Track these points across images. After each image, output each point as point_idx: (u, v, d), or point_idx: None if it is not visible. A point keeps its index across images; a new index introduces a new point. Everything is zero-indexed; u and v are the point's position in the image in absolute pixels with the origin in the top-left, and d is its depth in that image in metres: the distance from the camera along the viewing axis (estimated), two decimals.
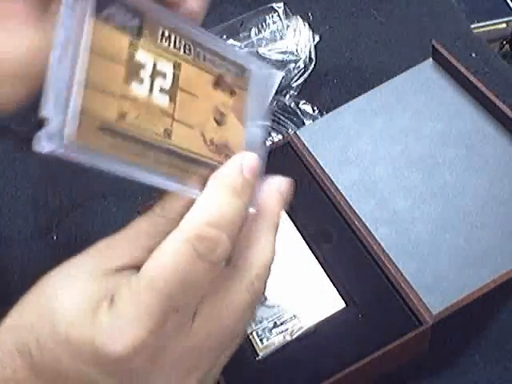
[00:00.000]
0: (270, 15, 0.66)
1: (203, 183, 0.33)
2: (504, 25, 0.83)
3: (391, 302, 0.49)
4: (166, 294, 0.30)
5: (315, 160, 0.57)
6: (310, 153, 0.58)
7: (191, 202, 0.32)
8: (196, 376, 0.34)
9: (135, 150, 0.31)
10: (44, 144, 0.28)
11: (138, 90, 0.31)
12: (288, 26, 0.65)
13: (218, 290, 0.33)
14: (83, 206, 0.63)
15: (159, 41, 0.32)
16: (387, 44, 0.70)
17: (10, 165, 0.68)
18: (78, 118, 0.28)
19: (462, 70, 0.57)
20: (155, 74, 0.31)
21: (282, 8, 0.67)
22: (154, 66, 0.31)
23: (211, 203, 0.32)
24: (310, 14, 0.73)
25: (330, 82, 0.68)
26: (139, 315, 0.30)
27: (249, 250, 0.35)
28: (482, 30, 0.83)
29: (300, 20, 0.67)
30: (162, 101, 0.31)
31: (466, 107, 0.57)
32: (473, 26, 0.82)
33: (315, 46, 0.68)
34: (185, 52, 0.33)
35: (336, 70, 0.69)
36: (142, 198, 0.61)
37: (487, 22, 0.83)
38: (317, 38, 0.68)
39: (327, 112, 0.64)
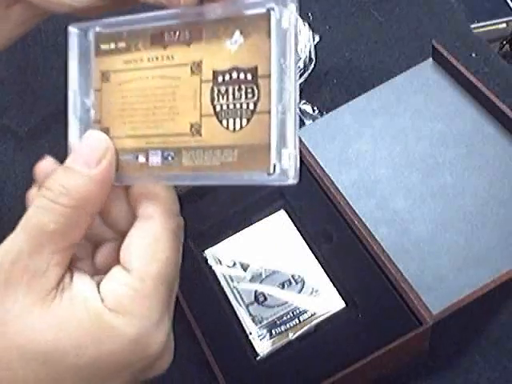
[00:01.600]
0: None
1: None
2: (504, 25, 0.83)
3: (391, 302, 0.49)
4: (169, 281, 0.34)
5: (315, 160, 0.57)
6: (310, 153, 0.58)
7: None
8: None
9: None
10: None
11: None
12: None
13: None
14: None
15: None
16: (387, 44, 0.70)
17: (10, 165, 0.68)
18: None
19: (462, 70, 0.57)
20: None
21: None
22: None
23: None
24: (309, 14, 0.73)
25: (329, 82, 0.68)
26: (163, 309, 0.33)
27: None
28: (481, 29, 0.83)
29: (300, 20, 0.67)
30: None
31: (466, 107, 0.57)
32: (473, 25, 0.81)
33: (315, 46, 0.67)
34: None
35: (336, 70, 0.69)
36: None
37: (487, 22, 0.83)
38: (317, 38, 0.68)
39: (327, 112, 0.64)
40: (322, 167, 0.57)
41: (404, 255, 0.50)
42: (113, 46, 0.34)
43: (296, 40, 0.30)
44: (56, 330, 0.32)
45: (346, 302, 0.50)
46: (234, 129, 0.31)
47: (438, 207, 0.53)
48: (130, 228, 0.35)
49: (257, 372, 0.49)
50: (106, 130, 0.34)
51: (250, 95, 0.30)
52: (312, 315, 0.50)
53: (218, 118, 0.31)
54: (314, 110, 0.65)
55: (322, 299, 0.51)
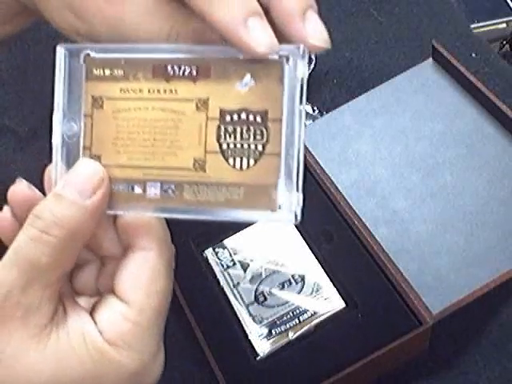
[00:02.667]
0: None
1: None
2: (504, 25, 0.83)
3: (391, 302, 0.49)
4: (165, 311, 0.34)
5: (315, 160, 0.57)
6: (310, 153, 0.58)
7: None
8: None
9: None
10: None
11: None
12: None
13: None
14: None
15: None
16: (387, 44, 0.70)
17: (10, 165, 0.68)
18: None
19: (462, 69, 0.57)
20: None
21: None
22: None
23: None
24: None
25: (329, 82, 0.68)
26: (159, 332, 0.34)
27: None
28: (481, 29, 0.83)
29: None
30: None
31: (466, 107, 0.57)
32: (473, 25, 0.81)
33: None
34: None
35: (336, 70, 0.69)
36: None
37: (487, 22, 0.83)
38: None
39: (327, 112, 0.64)
40: (322, 167, 0.57)
41: (404, 255, 0.50)
42: (108, 72, 0.33)
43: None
44: (55, 368, 0.31)
45: (346, 302, 0.50)
46: (241, 167, 0.31)
47: (437, 207, 0.53)
48: (113, 253, 0.34)
49: (257, 372, 0.49)
50: (97, 158, 0.33)
51: (258, 137, 0.31)
52: (312, 315, 0.50)
53: (224, 155, 0.32)
54: (314, 110, 0.65)
55: (322, 299, 0.51)
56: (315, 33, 0.31)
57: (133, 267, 0.33)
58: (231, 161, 0.31)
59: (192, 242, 0.55)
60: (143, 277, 0.33)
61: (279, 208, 0.31)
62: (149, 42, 0.33)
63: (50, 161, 0.35)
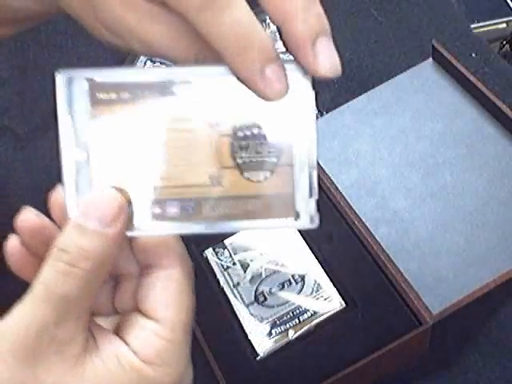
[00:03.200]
0: None
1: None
2: (504, 25, 0.83)
3: (391, 302, 0.49)
4: (191, 325, 0.35)
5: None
6: None
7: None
8: None
9: None
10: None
11: None
12: None
13: None
14: None
15: None
16: (387, 44, 0.70)
17: (10, 165, 0.68)
18: None
19: (462, 69, 0.57)
20: None
21: None
22: None
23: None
24: None
25: (329, 82, 0.68)
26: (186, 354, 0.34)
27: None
28: (481, 29, 0.83)
29: None
30: None
31: (465, 107, 0.57)
32: (473, 25, 0.81)
33: None
34: None
35: None
36: None
37: (487, 22, 0.83)
38: None
39: (327, 112, 0.64)
40: (322, 167, 0.57)
41: (404, 255, 0.50)
42: (114, 96, 0.33)
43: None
44: None
45: (346, 302, 0.50)
46: (258, 180, 0.32)
47: (437, 207, 0.53)
48: (129, 271, 0.35)
49: (257, 372, 0.49)
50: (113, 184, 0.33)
51: (272, 149, 0.32)
52: (312, 315, 0.50)
53: (239, 170, 0.32)
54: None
55: (322, 299, 0.51)
56: (326, 62, 0.31)
57: (159, 286, 0.34)
58: (247, 175, 0.32)
59: (192, 242, 0.56)
60: (171, 294, 0.34)
61: (297, 216, 0.32)
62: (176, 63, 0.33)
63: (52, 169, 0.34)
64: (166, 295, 0.34)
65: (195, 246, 0.56)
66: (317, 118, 0.64)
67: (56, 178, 0.34)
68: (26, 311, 0.32)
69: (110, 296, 0.36)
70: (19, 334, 0.31)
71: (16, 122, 0.71)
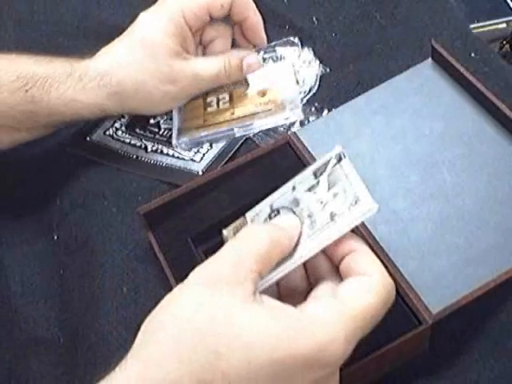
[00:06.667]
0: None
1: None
2: (504, 25, 0.83)
3: None
4: (362, 326, 0.40)
5: (314, 160, 0.57)
6: (310, 153, 0.58)
7: None
8: None
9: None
10: None
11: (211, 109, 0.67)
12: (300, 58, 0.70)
13: None
14: (83, 206, 0.63)
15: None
16: (387, 44, 0.70)
17: (11, 164, 0.69)
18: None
19: (462, 69, 0.57)
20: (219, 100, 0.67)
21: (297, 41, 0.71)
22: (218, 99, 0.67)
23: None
24: (314, 19, 0.73)
25: (329, 82, 0.68)
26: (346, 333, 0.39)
27: None
28: (481, 29, 0.83)
29: (311, 54, 0.70)
30: (225, 106, 0.66)
31: (465, 107, 0.57)
32: (473, 26, 0.82)
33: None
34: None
35: (335, 70, 0.69)
36: (142, 199, 0.62)
37: (487, 22, 0.83)
38: (324, 70, 0.69)
39: (327, 112, 0.64)
40: None
41: (403, 255, 0.50)
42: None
43: None
44: (257, 325, 0.37)
45: None
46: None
47: (437, 207, 0.53)
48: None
49: None
50: None
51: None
52: None
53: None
54: (313, 110, 0.65)
55: None
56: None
57: (356, 280, 0.42)
58: None
59: (192, 241, 0.56)
60: (360, 283, 0.42)
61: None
62: None
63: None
64: (357, 283, 0.42)
65: (195, 246, 0.56)
66: (316, 117, 0.64)
67: None
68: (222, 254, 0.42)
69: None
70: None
71: None
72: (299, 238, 0.44)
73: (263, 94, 0.66)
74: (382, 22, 0.72)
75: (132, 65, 0.61)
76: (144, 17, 0.63)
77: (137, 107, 0.63)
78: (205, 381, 0.36)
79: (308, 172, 0.47)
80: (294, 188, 0.48)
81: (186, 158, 0.64)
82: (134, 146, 0.67)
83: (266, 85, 0.67)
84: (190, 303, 0.39)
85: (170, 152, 0.65)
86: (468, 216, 0.52)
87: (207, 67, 0.63)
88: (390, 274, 0.50)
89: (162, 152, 0.65)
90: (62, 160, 0.68)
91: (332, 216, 0.43)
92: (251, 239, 0.42)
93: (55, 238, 0.62)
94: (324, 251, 0.45)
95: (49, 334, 0.57)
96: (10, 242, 0.64)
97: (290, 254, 0.43)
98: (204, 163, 0.63)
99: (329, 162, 0.46)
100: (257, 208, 0.50)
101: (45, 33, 0.79)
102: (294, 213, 0.45)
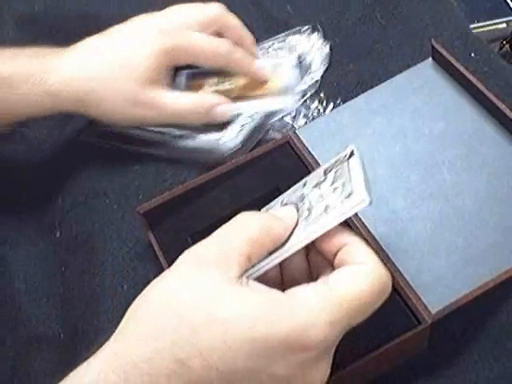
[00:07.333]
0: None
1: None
2: (504, 25, 0.83)
3: (390, 302, 0.49)
4: (350, 315, 0.40)
5: (315, 159, 0.58)
6: (310, 152, 0.58)
7: None
8: None
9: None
10: None
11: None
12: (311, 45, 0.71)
13: None
14: (84, 204, 0.63)
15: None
16: (387, 44, 0.70)
17: (12, 164, 0.69)
18: None
19: (462, 69, 0.57)
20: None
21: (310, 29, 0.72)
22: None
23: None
24: (318, 27, 0.73)
25: (329, 82, 0.68)
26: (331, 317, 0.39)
27: None
28: (481, 29, 0.83)
29: (322, 43, 0.71)
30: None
31: (465, 107, 0.57)
32: (473, 26, 0.82)
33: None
34: None
35: (335, 70, 0.69)
36: (143, 197, 0.62)
37: (487, 22, 0.83)
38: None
39: (327, 111, 0.64)
40: None
41: (403, 254, 0.51)
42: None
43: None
44: (237, 304, 0.38)
45: None
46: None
47: (437, 207, 0.53)
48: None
49: None
50: None
51: None
52: None
53: None
54: (313, 110, 0.65)
55: None
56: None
57: (347, 269, 0.42)
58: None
59: (192, 240, 0.56)
60: (352, 271, 0.42)
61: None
62: None
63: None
64: (350, 271, 0.42)
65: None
66: (316, 117, 0.64)
67: None
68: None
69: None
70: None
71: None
72: (294, 228, 0.44)
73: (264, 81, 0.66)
74: (383, 22, 0.72)
75: (105, 82, 0.60)
76: (135, 40, 0.62)
77: (98, 117, 0.63)
78: (182, 359, 0.36)
79: (320, 170, 0.48)
80: (304, 184, 0.48)
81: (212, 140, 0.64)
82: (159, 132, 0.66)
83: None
84: (175, 281, 0.40)
85: (194, 134, 0.65)
86: (468, 216, 0.52)
87: (178, 102, 0.62)
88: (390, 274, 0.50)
89: (185, 137, 0.65)
90: (64, 159, 0.68)
91: (326, 208, 0.43)
92: (241, 224, 0.43)
93: (57, 235, 0.62)
94: (319, 246, 0.44)
95: (50, 331, 0.57)
96: (14, 241, 0.64)
97: (284, 244, 0.43)
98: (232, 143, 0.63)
99: (339, 160, 0.46)
100: (270, 204, 0.50)
101: (45, 32, 0.79)
102: (298, 208, 0.45)
